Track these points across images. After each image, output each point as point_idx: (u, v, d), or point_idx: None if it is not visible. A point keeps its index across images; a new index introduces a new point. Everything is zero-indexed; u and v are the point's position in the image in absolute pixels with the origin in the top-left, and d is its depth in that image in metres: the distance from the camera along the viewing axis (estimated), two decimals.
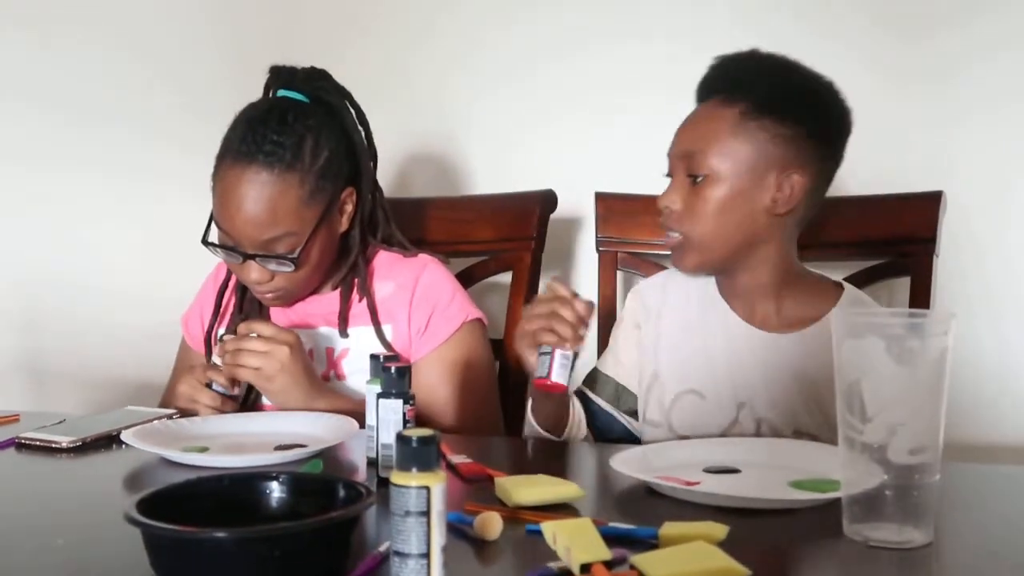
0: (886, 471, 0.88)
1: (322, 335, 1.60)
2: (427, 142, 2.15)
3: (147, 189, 2.17)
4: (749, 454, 1.19)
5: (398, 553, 0.76)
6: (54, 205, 2.15)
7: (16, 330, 2.12)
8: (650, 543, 0.89)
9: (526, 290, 1.80)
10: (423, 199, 1.95)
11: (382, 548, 0.85)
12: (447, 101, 2.13)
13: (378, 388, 1.15)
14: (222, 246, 1.53)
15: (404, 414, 1.12)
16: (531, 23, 2.06)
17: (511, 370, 1.76)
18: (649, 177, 1.49)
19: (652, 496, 1.06)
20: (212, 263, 1.75)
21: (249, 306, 1.64)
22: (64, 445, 1.31)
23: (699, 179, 1.37)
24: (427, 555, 0.75)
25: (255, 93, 1.62)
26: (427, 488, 0.75)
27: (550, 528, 0.87)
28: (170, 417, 1.41)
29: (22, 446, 1.33)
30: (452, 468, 1.16)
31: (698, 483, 1.05)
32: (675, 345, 1.46)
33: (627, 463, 1.10)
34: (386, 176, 1.75)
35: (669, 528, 0.90)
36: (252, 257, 1.50)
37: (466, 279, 1.81)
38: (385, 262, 1.64)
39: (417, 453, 0.76)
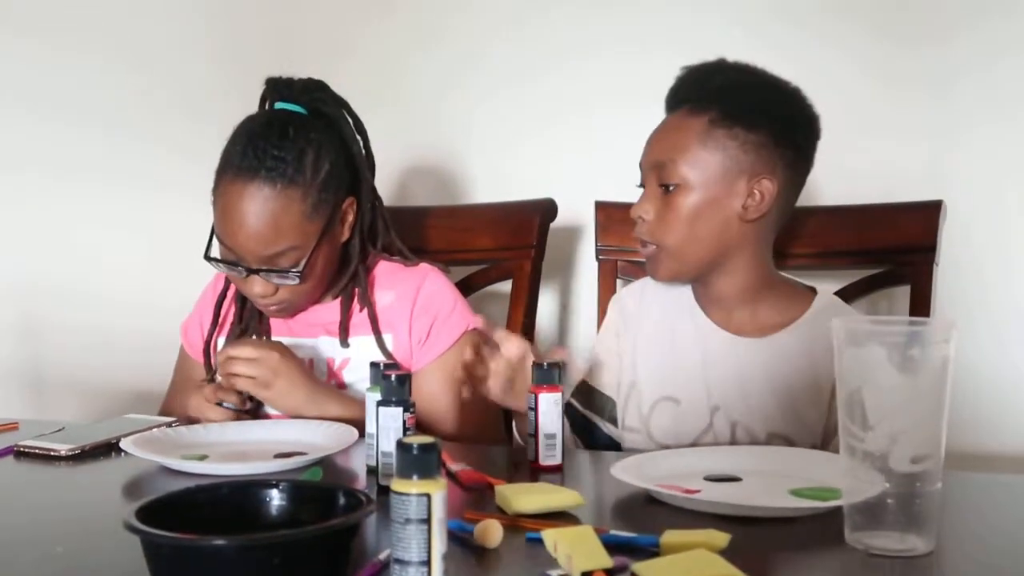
0: (887, 479, 0.88)
1: (323, 345, 1.60)
2: (427, 151, 2.15)
3: (147, 196, 2.17)
4: (750, 462, 1.18)
5: (398, 561, 0.76)
6: (54, 212, 2.15)
7: (15, 338, 2.12)
8: (651, 551, 0.89)
9: (526, 299, 1.80)
10: (423, 208, 1.95)
11: (382, 556, 0.85)
12: (447, 110, 2.13)
13: (378, 396, 1.15)
14: (225, 261, 1.52)
15: (404, 422, 1.12)
16: (531, 32, 2.06)
17: None
18: None
19: (652, 504, 1.06)
20: (212, 271, 1.74)
21: (249, 316, 1.63)
22: (63, 453, 1.31)
23: (671, 188, 1.39)
24: (427, 563, 0.75)
25: (255, 99, 1.62)
26: (428, 496, 0.75)
27: (551, 536, 0.87)
28: (169, 425, 1.41)
29: (21, 454, 1.33)
30: (452, 476, 1.16)
31: (699, 491, 1.05)
32: (651, 353, 1.47)
33: (627, 471, 1.10)
34: (386, 185, 1.75)
35: (670, 536, 0.89)
36: (256, 272, 1.50)
37: (466, 288, 1.81)
38: (386, 271, 1.64)
39: (418, 461, 0.76)
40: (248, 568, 0.80)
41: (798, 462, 1.17)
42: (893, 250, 1.64)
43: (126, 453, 1.26)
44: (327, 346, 1.60)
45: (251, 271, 1.50)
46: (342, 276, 1.62)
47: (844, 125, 1.84)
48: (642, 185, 1.44)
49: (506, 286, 1.84)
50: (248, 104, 1.63)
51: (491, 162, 2.11)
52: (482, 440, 1.54)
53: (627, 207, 1.78)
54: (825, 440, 1.37)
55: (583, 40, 2.02)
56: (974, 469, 1.46)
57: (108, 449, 1.34)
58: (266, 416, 1.54)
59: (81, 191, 2.16)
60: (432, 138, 2.15)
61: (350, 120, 1.62)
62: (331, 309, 1.61)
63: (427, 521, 0.75)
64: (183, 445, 1.32)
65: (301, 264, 1.50)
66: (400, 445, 0.77)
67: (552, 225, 1.85)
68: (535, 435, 1.24)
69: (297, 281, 1.50)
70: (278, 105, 1.59)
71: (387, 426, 1.12)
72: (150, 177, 2.16)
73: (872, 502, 0.89)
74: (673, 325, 1.47)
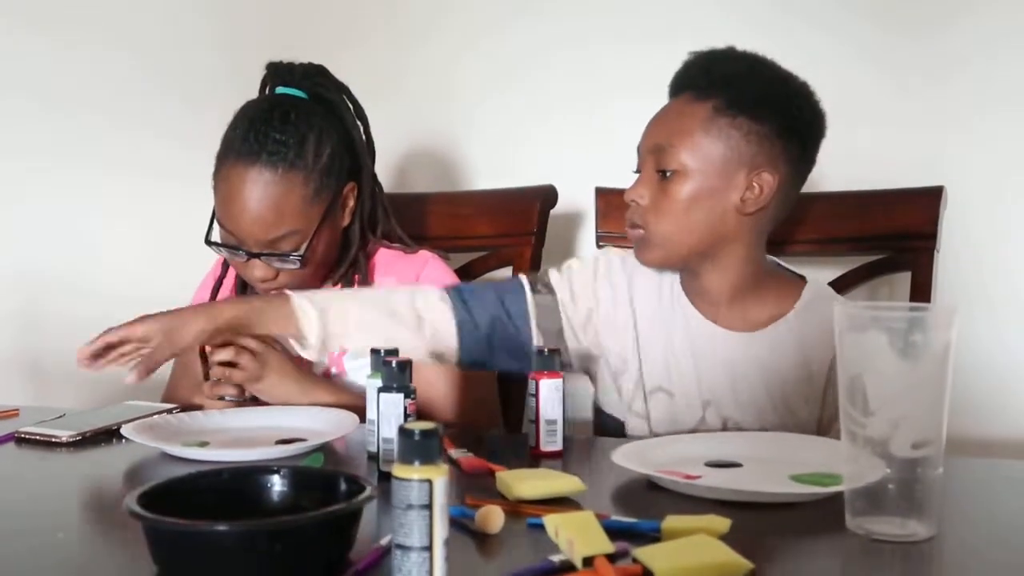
0: (889, 465, 0.88)
1: None
2: (428, 137, 2.14)
3: (148, 184, 2.16)
4: (751, 448, 1.18)
5: (400, 546, 0.76)
6: (55, 201, 2.15)
7: (16, 325, 2.12)
8: (652, 537, 0.89)
9: None
10: (423, 194, 1.95)
11: (384, 541, 0.85)
12: (448, 96, 2.13)
13: (379, 382, 1.15)
14: (226, 245, 1.52)
15: (405, 408, 1.12)
16: (531, 20, 2.05)
17: None
18: None
19: (653, 490, 1.06)
20: (212, 260, 1.74)
21: None
22: (64, 439, 1.31)
23: (668, 174, 1.35)
24: (429, 548, 0.75)
25: (255, 87, 1.62)
26: (429, 481, 0.75)
27: (552, 521, 0.87)
28: (170, 411, 1.41)
29: (22, 440, 1.33)
30: (453, 463, 1.16)
31: (700, 477, 1.06)
32: (647, 341, 1.44)
33: (628, 457, 1.10)
34: (386, 171, 1.75)
35: (671, 522, 0.89)
36: (257, 256, 1.50)
37: (466, 274, 1.81)
38: (386, 259, 1.64)
39: (419, 446, 0.76)
40: (250, 554, 0.80)
41: (799, 448, 1.17)
42: (894, 236, 1.64)
43: (127, 440, 1.26)
44: None
45: (252, 255, 1.50)
46: (342, 263, 1.62)
47: (844, 112, 1.83)
48: (638, 170, 1.41)
49: (506, 273, 1.83)
50: (248, 92, 1.62)
51: (492, 148, 2.11)
52: (480, 426, 1.55)
53: None
54: (819, 435, 1.35)
55: (584, 28, 2.01)
56: (973, 455, 1.46)
57: (109, 436, 1.34)
58: (267, 403, 1.54)
59: (81, 180, 2.15)
60: (433, 125, 2.14)
61: (351, 106, 1.62)
62: None
63: (429, 507, 0.75)
64: (184, 432, 1.32)
65: (302, 248, 1.50)
66: (402, 431, 0.77)
67: (552, 212, 1.84)
68: (536, 421, 1.24)
69: (298, 265, 1.50)
70: (279, 90, 1.59)
71: (388, 412, 1.12)
72: (151, 165, 2.15)
73: (873, 488, 0.89)
74: (664, 315, 1.44)
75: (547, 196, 1.83)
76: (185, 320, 1.34)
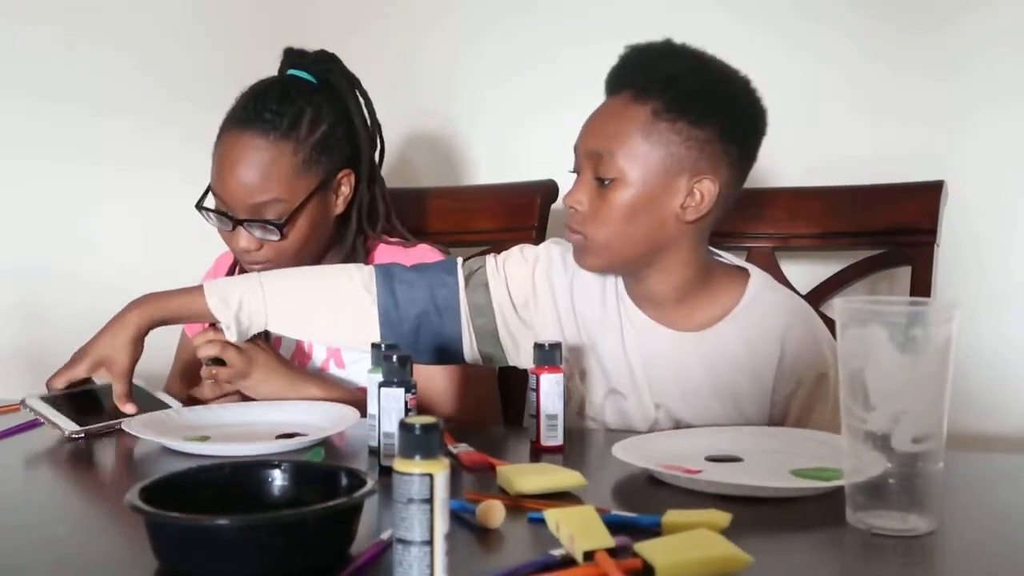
0: (889, 459, 0.88)
1: None
2: (430, 131, 2.14)
3: (147, 180, 2.16)
4: (751, 442, 1.18)
5: (401, 541, 0.76)
6: (55, 195, 2.14)
7: (16, 318, 2.12)
8: (653, 531, 0.89)
9: None
10: (424, 188, 1.95)
11: (384, 536, 0.85)
12: (451, 90, 2.13)
13: (380, 377, 1.15)
14: (215, 211, 1.54)
15: (406, 402, 1.12)
16: (535, 15, 2.05)
17: None
18: None
19: (654, 484, 1.06)
20: (212, 253, 1.74)
21: None
22: (67, 435, 1.31)
23: (607, 182, 1.30)
24: (430, 543, 0.75)
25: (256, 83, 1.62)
26: (430, 476, 0.75)
27: (553, 516, 0.87)
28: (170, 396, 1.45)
29: (24, 429, 1.34)
30: (453, 458, 1.16)
31: (700, 471, 1.05)
32: (594, 344, 1.41)
33: (629, 451, 1.10)
34: (388, 164, 1.74)
35: (672, 516, 0.89)
36: (241, 223, 1.51)
37: None
38: (386, 254, 1.64)
39: (420, 441, 0.76)
40: (250, 548, 0.80)
41: (800, 442, 1.17)
42: (894, 231, 1.63)
43: (128, 434, 1.26)
44: None
45: (237, 222, 1.52)
46: (339, 257, 1.62)
47: (845, 108, 1.85)
48: (575, 171, 1.35)
49: None
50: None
51: (493, 143, 2.11)
52: (479, 420, 1.55)
53: None
54: None
55: (587, 24, 2.00)
56: (974, 450, 1.46)
57: (110, 430, 1.34)
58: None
59: (81, 174, 2.15)
60: (435, 118, 2.14)
61: (359, 97, 1.63)
62: None
63: (430, 501, 0.75)
64: (185, 426, 1.32)
65: (283, 218, 1.51)
66: (402, 425, 0.77)
67: (553, 206, 1.84)
68: (536, 416, 1.24)
69: (278, 237, 1.51)
70: (289, 72, 1.62)
71: (389, 407, 1.12)
72: (150, 160, 2.15)
73: (874, 482, 0.89)
74: (610, 317, 1.40)
75: (548, 190, 1.83)
76: (108, 345, 1.41)
